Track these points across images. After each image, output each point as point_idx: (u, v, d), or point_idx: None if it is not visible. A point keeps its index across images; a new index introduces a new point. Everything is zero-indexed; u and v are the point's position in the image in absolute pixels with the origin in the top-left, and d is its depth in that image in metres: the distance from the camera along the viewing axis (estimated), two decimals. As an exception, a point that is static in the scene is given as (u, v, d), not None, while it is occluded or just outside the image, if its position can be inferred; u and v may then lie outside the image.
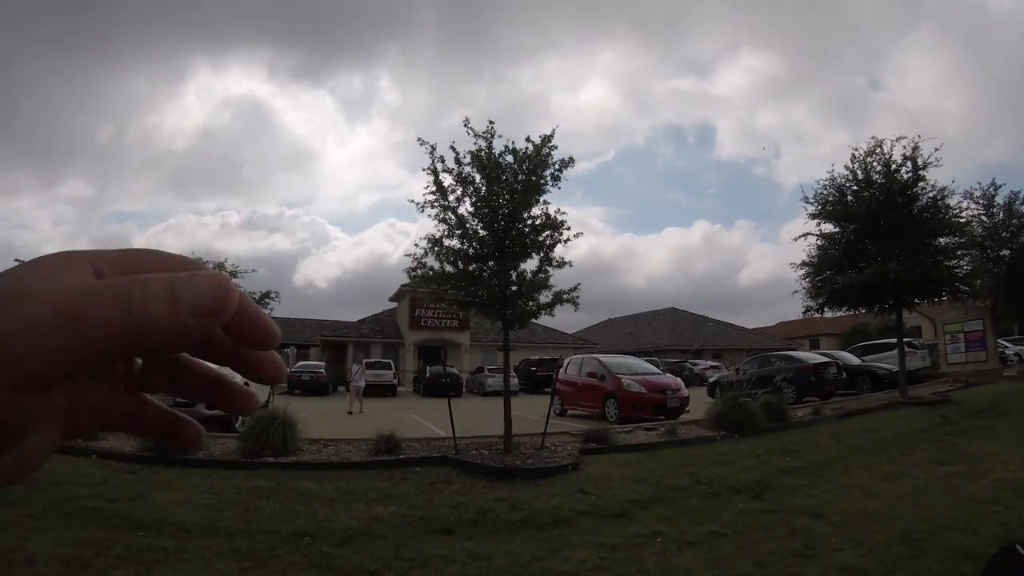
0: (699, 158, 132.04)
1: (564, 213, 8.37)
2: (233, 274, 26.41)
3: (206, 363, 0.36)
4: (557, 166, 8.29)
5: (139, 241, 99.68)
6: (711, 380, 20.56)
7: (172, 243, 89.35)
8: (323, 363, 27.43)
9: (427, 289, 8.58)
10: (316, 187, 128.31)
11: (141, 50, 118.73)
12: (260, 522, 4.81)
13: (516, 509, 5.28)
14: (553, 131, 8.32)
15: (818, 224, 13.78)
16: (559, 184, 8.37)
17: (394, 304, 40.12)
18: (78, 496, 5.06)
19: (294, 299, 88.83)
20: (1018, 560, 1.19)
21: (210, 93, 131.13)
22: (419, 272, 8.38)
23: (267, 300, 27.21)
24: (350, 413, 14.93)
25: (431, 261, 8.30)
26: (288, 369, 31.40)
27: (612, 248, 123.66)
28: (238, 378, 0.36)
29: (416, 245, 8.29)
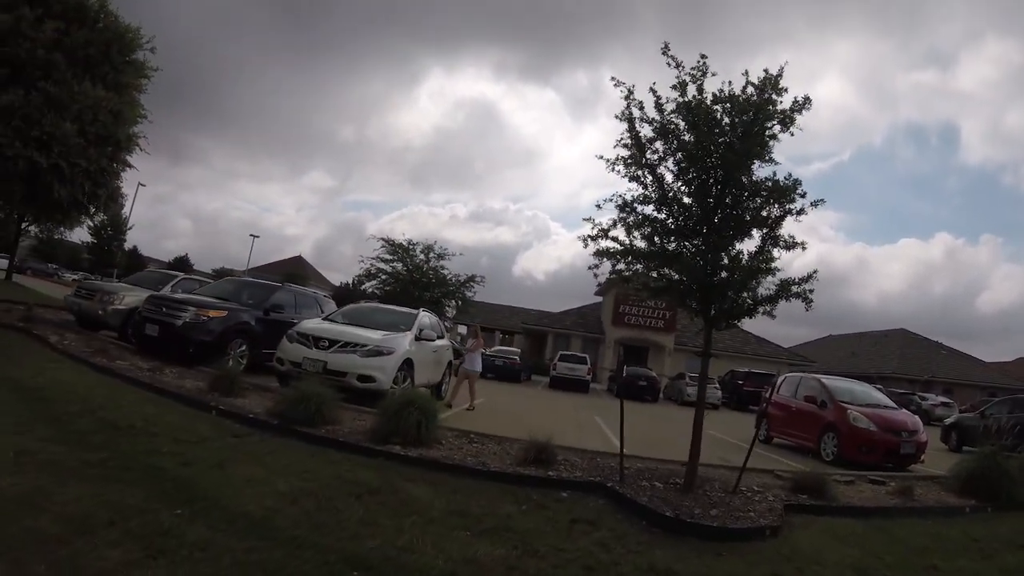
0: (942, 162, 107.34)
1: (798, 180, 6.03)
2: (440, 256, 27.92)
3: None
4: (790, 108, 5.96)
5: (373, 227, 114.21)
6: (947, 422, 16.38)
7: (404, 229, 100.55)
8: (518, 350, 27.35)
9: (601, 264, 6.61)
10: (540, 183, 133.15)
11: (377, 55, 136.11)
12: (325, 530, 3.64)
13: (676, 598, 3.35)
14: (781, 69, 5.99)
15: None
16: (790, 130, 6.03)
17: (599, 299, 38.82)
18: (155, 452, 4.46)
19: (513, 288, 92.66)
20: None
21: (443, 95, 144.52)
22: (601, 245, 6.55)
23: (471, 284, 28.26)
24: (449, 407, 10.43)
25: (618, 232, 6.46)
26: (486, 352, 32.44)
27: (843, 258, 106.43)
28: None
29: (598, 207, 6.49)
